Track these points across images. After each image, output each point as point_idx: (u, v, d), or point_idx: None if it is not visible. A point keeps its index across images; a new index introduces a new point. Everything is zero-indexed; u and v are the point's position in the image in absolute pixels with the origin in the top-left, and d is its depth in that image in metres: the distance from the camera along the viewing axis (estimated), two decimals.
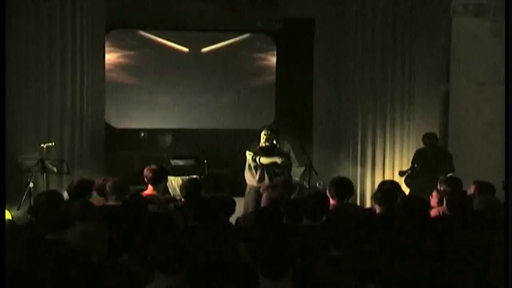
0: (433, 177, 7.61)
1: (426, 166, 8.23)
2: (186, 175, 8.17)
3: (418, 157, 8.49)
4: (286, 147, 8.48)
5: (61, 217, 4.36)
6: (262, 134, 7.84)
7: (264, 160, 7.73)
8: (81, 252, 3.46)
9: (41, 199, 5.38)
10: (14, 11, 8.05)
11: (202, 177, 8.30)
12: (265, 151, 7.78)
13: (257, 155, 7.72)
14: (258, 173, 7.72)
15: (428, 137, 8.46)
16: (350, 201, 6.68)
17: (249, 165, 7.81)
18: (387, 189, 5.75)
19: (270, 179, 7.61)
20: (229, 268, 3.81)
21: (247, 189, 7.79)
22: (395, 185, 6.35)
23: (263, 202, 5.59)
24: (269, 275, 3.06)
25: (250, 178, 7.79)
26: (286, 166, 7.92)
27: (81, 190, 5.81)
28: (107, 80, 9.51)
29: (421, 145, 8.75)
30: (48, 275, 3.12)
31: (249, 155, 7.78)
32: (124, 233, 4.56)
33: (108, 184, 5.79)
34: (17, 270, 3.83)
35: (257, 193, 7.36)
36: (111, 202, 5.68)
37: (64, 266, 3.10)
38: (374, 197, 5.60)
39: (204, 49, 10.41)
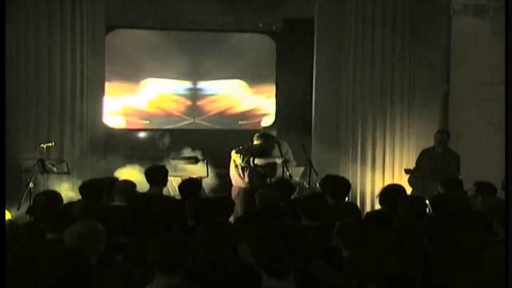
0: (438, 178, 7.59)
1: (432, 166, 8.20)
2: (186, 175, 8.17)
3: (423, 156, 8.46)
4: (285, 147, 8.48)
5: (60, 217, 4.36)
6: (256, 137, 7.86)
7: (258, 161, 7.66)
8: (78, 252, 3.46)
9: (40, 199, 5.38)
10: (14, 11, 8.05)
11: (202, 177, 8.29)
12: (259, 152, 7.74)
13: (249, 156, 7.66)
14: (248, 175, 7.66)
15: (440, 133, 8.46)
16: (348, 200, 6.68)
17: (240, 166, 7.71)
18: (390, 190, 5.75)
19: (264, 179, 7.60)
20: (229, 268, 3.81)
21: (235, 191, 7.72)
22: (399, 187, 6.34)
23: (262, 202, 5.58)
24: (274, 274, 3.06)
25: (238, 179, 7.71)
26: (286, 165, 7.91)
27: (93, 190, 5.78)
28: (107, 80, 9.50)
29: (421, 145, 8.74)
30: (48, 275, 3.13)
31: (236, 156, 7.72)
32: (125, 233, 4.56)
33: (116, 186, 5.79)
34: (17, 269, 3.83)
35: (246, 194, 7.36)
36: (117, 203, 5.67)
37: (63, 266, 3.11)
38: (379, 197, 5.61)
39: (204, 49, 10.40)
